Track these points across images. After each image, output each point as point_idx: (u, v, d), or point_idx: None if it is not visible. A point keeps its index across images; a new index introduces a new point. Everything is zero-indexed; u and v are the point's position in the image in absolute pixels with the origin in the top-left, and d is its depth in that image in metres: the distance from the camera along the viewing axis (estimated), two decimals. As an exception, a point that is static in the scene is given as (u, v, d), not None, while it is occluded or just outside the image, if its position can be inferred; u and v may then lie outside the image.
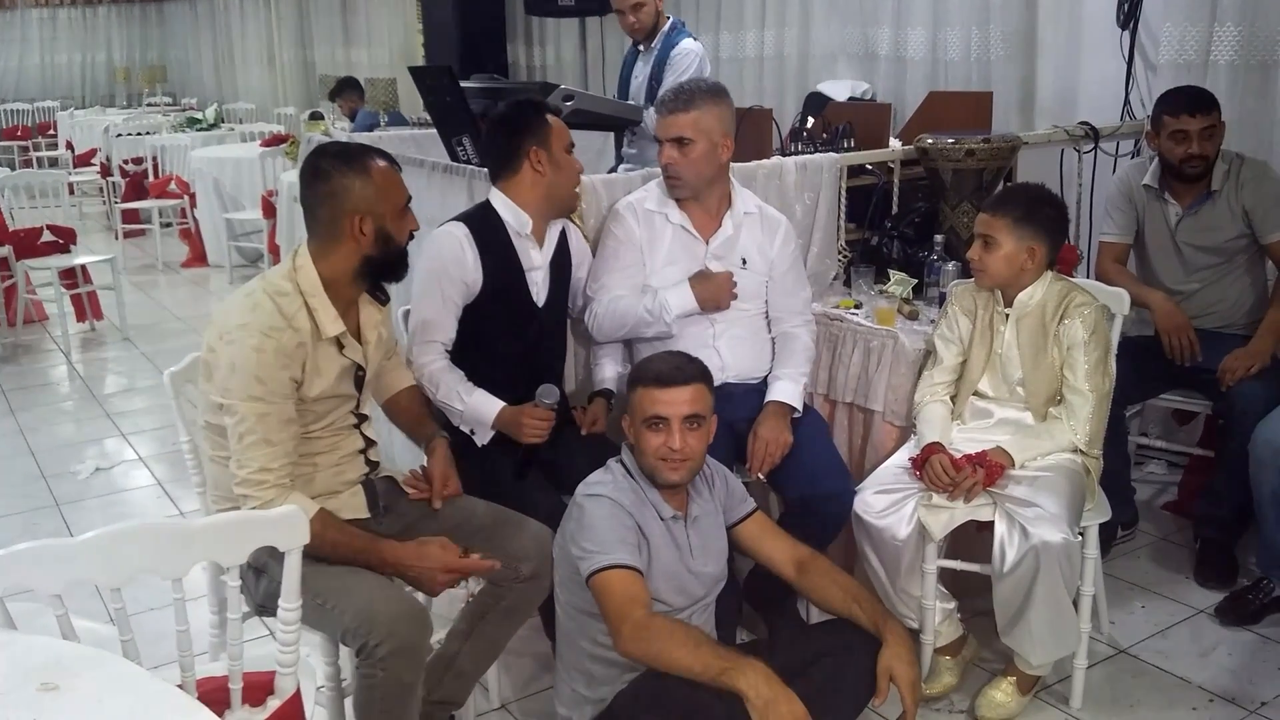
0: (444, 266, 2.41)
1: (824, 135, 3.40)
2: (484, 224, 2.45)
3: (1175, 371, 3.04)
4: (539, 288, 2.50)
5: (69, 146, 10.88)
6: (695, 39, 3.89)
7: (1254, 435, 2.63)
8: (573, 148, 2.49)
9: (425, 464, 2.27)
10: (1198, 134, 2.90)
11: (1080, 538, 2.31)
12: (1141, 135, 3.55)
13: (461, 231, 2.42)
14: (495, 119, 2.52)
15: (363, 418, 2.17)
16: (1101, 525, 2.46)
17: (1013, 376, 2.50)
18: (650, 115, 2.66)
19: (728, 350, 2.61)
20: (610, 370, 2.66)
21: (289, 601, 1.65)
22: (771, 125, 3.50)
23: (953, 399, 2.57)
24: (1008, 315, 2.49)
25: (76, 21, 14.87)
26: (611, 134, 3.99)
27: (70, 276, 5.77)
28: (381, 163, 2.03)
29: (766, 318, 2.71)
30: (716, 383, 2.49)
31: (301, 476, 2.02)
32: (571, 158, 2.48)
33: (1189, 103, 2.92)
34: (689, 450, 2.00)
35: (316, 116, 7.38)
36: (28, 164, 11.09)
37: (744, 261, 2.64)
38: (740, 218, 2.65)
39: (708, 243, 2.63)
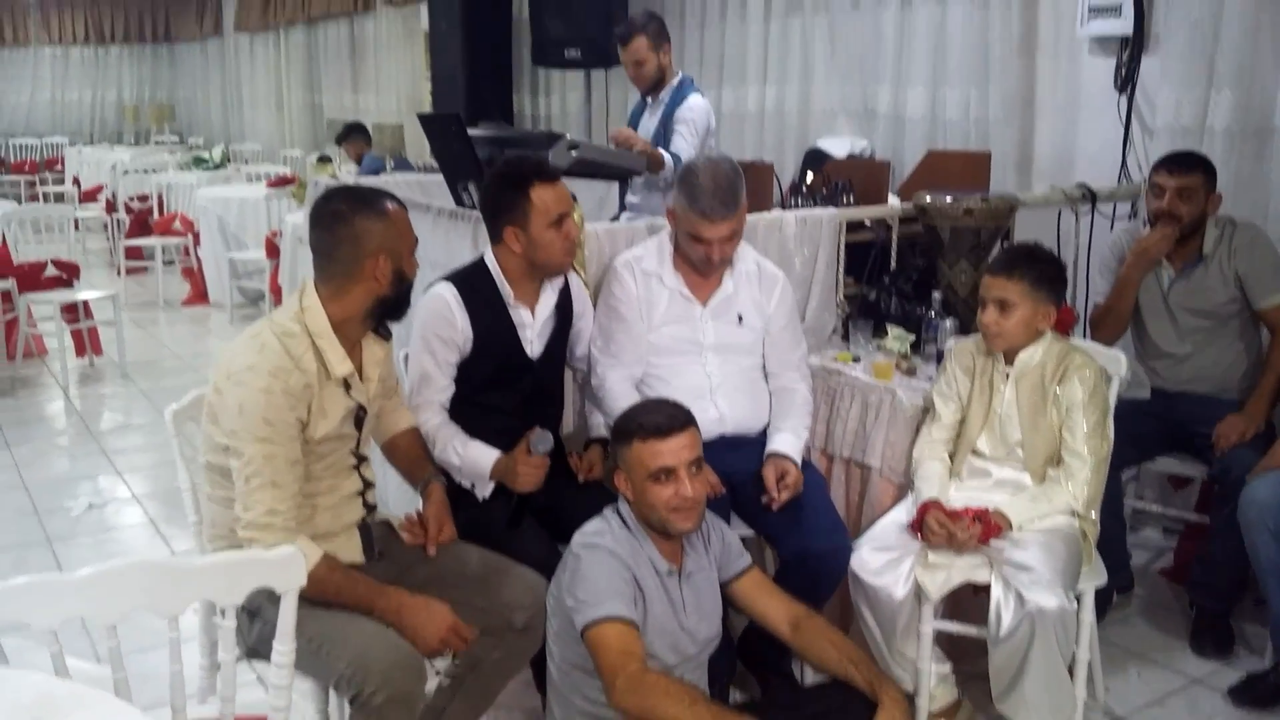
0: (434, 328, 2.43)
1: (824, 190, 3.45)
2: (475, 282, 2.47)
3: (1170, 435, 3.05)
4: (532, 343, 2.52)
5: (76, 182, 10.96)
6: (703, 95, 3.95)
7: (1241, 499, 2.61)
8: (563, 219, 2.41)
9: (421, 509, 2.27)
10: (1172, 191, 2.95)
11: (1076, 603, 2.30)
12: (1139, 197, 3.60)
13: (451, 293, 2.43)
14: (485, 184, 2.52)
15: (361, 458, 2.18)
16: (1097, 590, 2.45)
17: (1011, 437, 2.50)
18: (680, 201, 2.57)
19: (725, 402, 2.62)
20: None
21: (284, 644, 1.64)
22: (773, 179, 3.54)
23: (951, 456, 2.58)
24: (1008, 374, 2.51)
25: (89, 60, 15.08)
26: (615, 183, 4.03)
27: (72, 311, 5.79)
28: (394, 204, 2.07)
29: (763, 370, 2.72)
30: (714, 435, 2.52)
31: (300, 518, 2.01)
32: (557, 232, 2.40)
33: (1170, 161, 3.00)
34: (699, 495, 2.00)
35: (324, 160, 7.45)
36: (34, 198, 11.17)
37: (740, 318, 2.66)
38: (741, 277, 2.67)
39: (704, 304, 2.64)
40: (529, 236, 2.40)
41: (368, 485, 2.20)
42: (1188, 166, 2.96)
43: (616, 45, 3.99)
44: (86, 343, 5.97)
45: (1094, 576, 2.44)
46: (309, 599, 1.79)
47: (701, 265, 2.59)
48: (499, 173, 2.48)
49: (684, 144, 3.79)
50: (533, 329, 2.51)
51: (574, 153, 3.34)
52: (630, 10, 5.61)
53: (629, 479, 2.03)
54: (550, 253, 2.42)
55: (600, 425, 2.65)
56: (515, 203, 2.40)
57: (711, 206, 2.48)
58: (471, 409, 2.49)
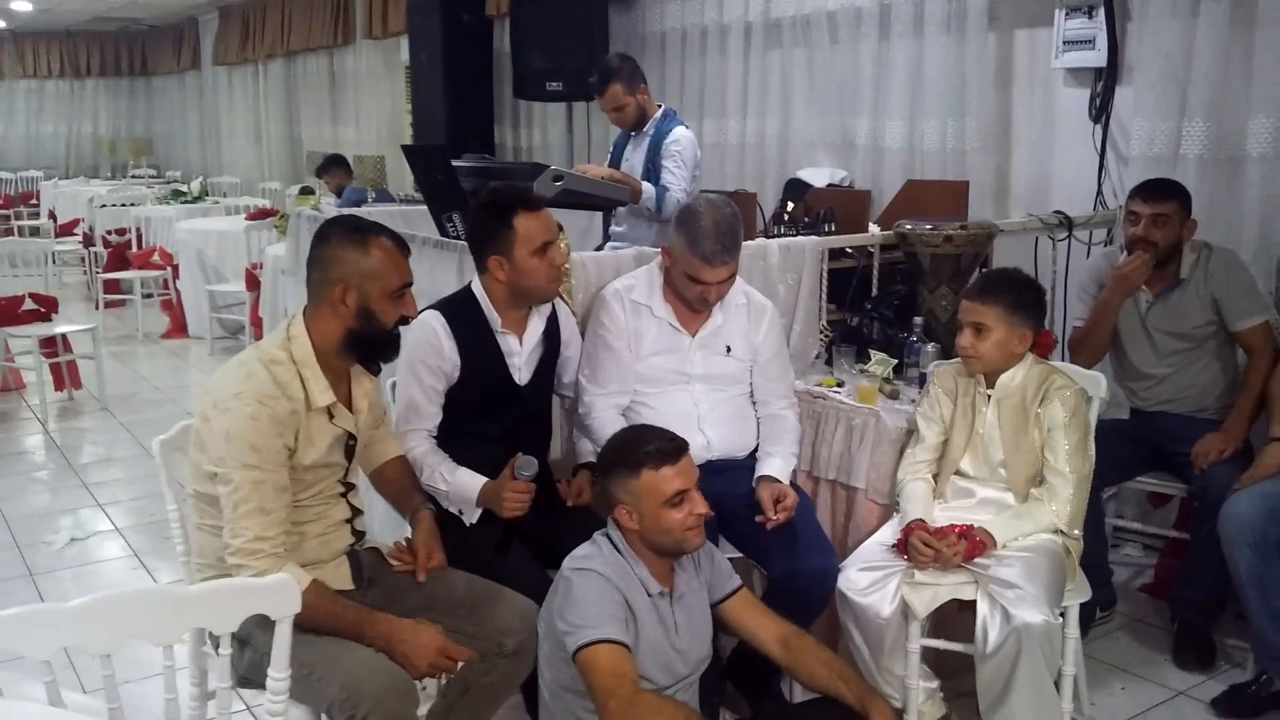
0: (421, 355, 2.43)
1: (805, 219, 3.49)
2: (463, 310, 2.48)
3: (1149, 454, 3.10)
4: (520, 370, 2.53)
5: (52, 216, 10.90)
6: (687, 126, 4.00)
7: (1220, 514, 2.66)
8: (548, 247, 2.43)
9: (410, 536, 2.27)
10: (1147, 219, 3.02)
11: (1061, 619, 2.32)
12: (1115, 224, 3.67)
13: (438, 321, 2.44)
14: (470, 213, 2.53)
15: (350, 486, 2.18)
16: (1080, 606, 2.48)
17: (994, 458, 2.54)
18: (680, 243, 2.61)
19: (712, 430, 2.64)
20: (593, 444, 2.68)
21: (279, 671, 1.64)
22: (755, 208, 3.59)
23: (935, 477, 2.61)
24: (989, 396, 2.55)
25: (64, 93, 15.03)
26: (599, 213, 4.07)
27: (50, 345, 5.74)
28: (385, 242, 2.05)
29: (750, 398, 2.74)
30: (701, 461, 2.53)
31: (289, 545, 2.01)
32: (541, 260, 2.42)
33: (1145, 189, 3.07)
34: (706, 511, 2.03)
35: (307, 191, 7.46)
36: (9, 233, 11.09)
37: (728, 349, 2.68)
38: (730, 309, 2.69)
39: (693, 335, 2.66)
40: (514, 265, 2.42)
41: (356, 513, 2.20)
42: (1163, 195, 3.03)
43: (594, 94, 4.04)
44: (65, 376, 5.92)
45: (1078, 592, 2.47)
46: (299, 625, 1.79)
47: (696, 304, 2.62)
48: (483, 202, 2.49)
49: (673, 178, 3.83)
50: (520, 356, 2.53)
51: (559, 183, 3.37)
52: (611, 42, 5.67)
53: (635, 509, 2.02)
54: (535, 280, 2.44)
55: (587, 452, 2.67)
56: (499, 231, 2.42)
57: (713, 251, 2.50)
58: (459, 436, 2.49)
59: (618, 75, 3.91)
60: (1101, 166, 3.85)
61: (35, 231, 10.91)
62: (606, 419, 2.59)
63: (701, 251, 2.50)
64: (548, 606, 2.06)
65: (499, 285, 2.46)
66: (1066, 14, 3.85)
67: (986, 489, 2.55)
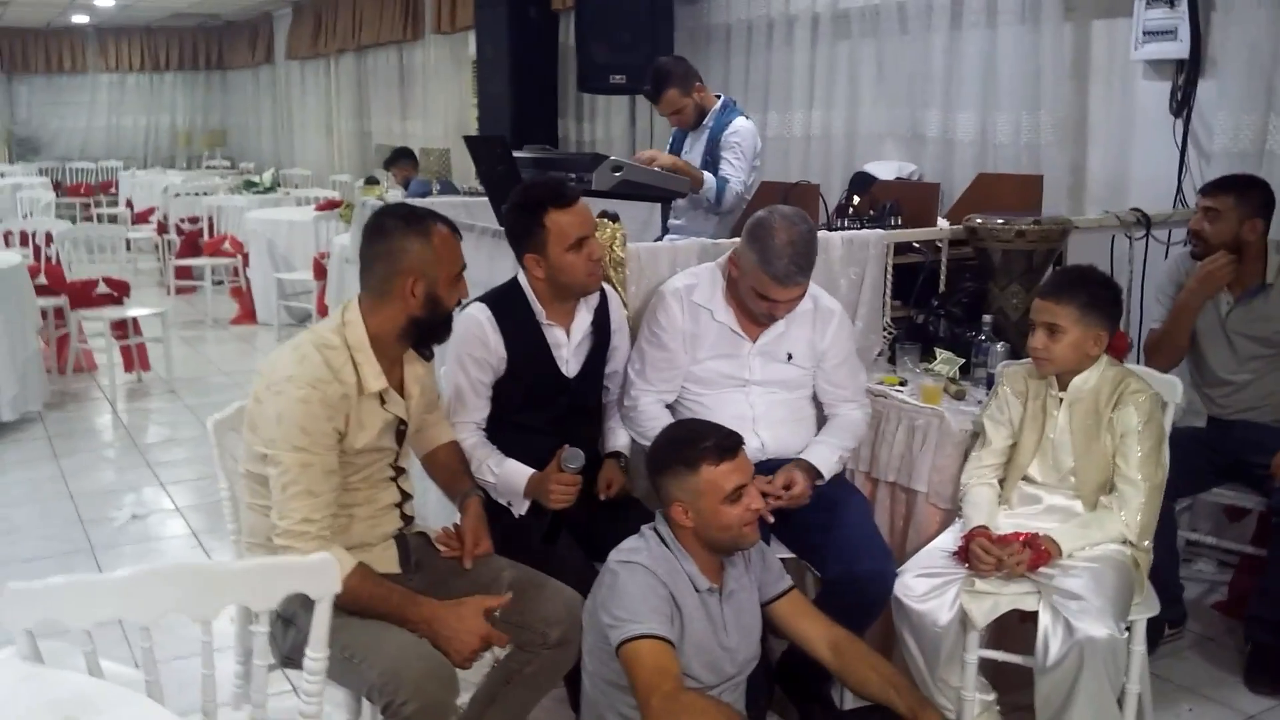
0: (468, 349, 2.42)
1: (870, 212, 3.41)
2: (509, 303, 2.46)
3: (1226, 464, 2.97)
4: (568, 362, 2.50)
5: (129, 204, 11.21)
6: (747, 117, 3.94)
7: None
8: (584, 242, 2.38)
9: (458, 522, 2.26)
10: (1199, 212, 2.94)
11: (1127, 633, 2.23)
12: (1195, 223, 3.54)
13: (485, 315, 2.43)
14: (506, 212, 2.50)
15: (400, 470, 2.18)
16: (1148, 622, 2.38)
17: (1064, 464, 2.44)
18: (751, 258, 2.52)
19: (767, 431, 2.57)
20: (625, 437, 2.63)
21: (316, 651, 1.63)
22: (818, 200, 3.51)
23: (1000, 482, 2.51)
24: (1061, 399, 2.44)
25: (144, 87, 15.46)
26: (658, 204, 4.03)
27: (121, 328, 5.89)
28: (443, 228, 2.06)
29: (812, 400, 2.67)
30: (755, 461, 2.47)
31: (336, 528, 2.01)
32: (577, 255, 2.37)
33: (1210, 182, 3.01)
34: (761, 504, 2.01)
35: (372, 181, 7.55)
36: (88, 219, 11.42)
37: (789, 356, 2.60)
38: (794, 315, 2.59)
39: (754, 341, 2.58)
40: (550, 261, 2.39)
41: (405, 497, 2.20)
42: (1219, 188, 2.95)
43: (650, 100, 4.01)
44: (135, 358, 6.06)
45: (1146, 607, 2.36)
46: (342, 608, 1.78)
47: (762, 318, 2.54)
48: (515, 201, 2.46)
49: (732, 170, 3.78)
50: (568, 348, 2.50)
51: (618, 174, 3.35)
52: (676, 35, 5.63)
53: (692, 506, 1.97)
54: (573, 275, 2.40)
55: (620, 444, 2.61)
56: (531, 230, 2.39)
57: (787, 272, 2.40)
58: (508, 428, 2.48)
59: (671, 79, 3.88)
60: (1182, 163, 3.72)
61: (113, 219, 11.21)
62: (653, 413, 2.55)
63: (774, 270, 2.40)
64: (593, 598, 2.03)
65: (539, 281, 2.44)
66: (1147, 4, 3.71)
67: (1054, 496, 2.45)
